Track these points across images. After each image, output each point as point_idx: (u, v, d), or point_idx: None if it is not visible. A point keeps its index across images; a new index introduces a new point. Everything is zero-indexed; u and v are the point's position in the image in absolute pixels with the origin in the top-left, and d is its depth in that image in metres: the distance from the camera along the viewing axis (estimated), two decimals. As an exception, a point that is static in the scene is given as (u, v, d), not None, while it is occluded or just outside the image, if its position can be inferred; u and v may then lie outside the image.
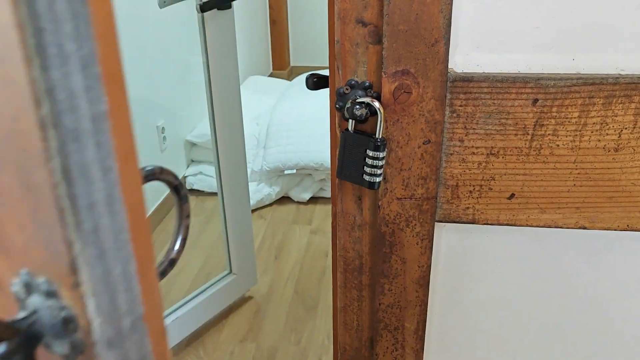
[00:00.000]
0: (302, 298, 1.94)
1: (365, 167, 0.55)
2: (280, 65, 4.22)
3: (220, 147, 1.67)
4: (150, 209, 2.32)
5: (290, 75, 4.23)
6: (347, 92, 0.55)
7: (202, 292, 1.77)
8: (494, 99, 0.53)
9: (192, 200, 2.57)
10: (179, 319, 1.68)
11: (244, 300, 1.93)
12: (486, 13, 0.51)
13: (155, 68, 2.32)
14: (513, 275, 0.62)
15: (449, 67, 0.52)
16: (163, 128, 2.39)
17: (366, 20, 0.52)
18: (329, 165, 2.45)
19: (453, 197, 0.58)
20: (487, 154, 0.55)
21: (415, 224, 0.59)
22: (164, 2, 1.50)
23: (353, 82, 0.55)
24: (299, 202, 2.56)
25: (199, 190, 2.63)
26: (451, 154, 0.56)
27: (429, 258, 0.61)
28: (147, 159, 2.20)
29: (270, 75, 4.15)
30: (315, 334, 1.77)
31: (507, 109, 0.53)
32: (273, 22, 4.07)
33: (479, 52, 0.53)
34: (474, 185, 0.57)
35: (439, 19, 0.50)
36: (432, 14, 0.50)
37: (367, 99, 0.53)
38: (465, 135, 0.55)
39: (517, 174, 0.56)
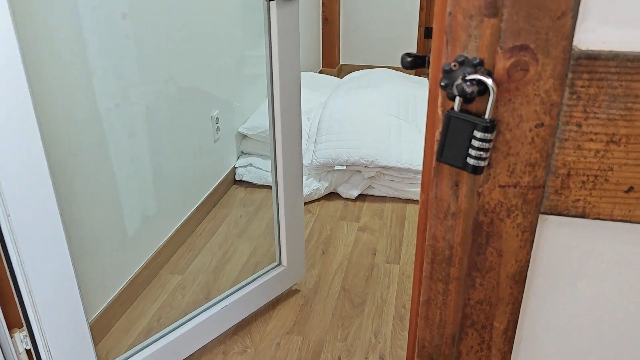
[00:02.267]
0: (349, 294, 1.90)
1: (470, 149, 0.51)
2: (330, 62, 4.20)
3: (277, 140, 1.65)
4: (202, 196, 2.34)
5: (340, 73, 4.20)
6: (454, 68, 0.52)
7: (251, 282, 1.76)
8: (621, 80, 0.48)
9: (241, 192, 2.57)
10: (227, 308, 1.67)
11: (291, 293, 1.91)
12: (620, -15, 0.47)
13: (212, 61, 2.33)
14: (620, 276, 0.57)
15: (573, 43, 0.48)
16: (217, 118, 2.40)
17: (484, -9, 0.49)
18: (380, 163, 2.40)
19: (563, 187, 0.53)
20: (608, 141, 0.51)
21: (517, 215, 0.55)
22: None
23: (462, 58, 0.51)
24: (347, 199, 2.53)
25: (248, 182, 2.63)
26: (566, 140, 0.52)
27: (529, 252, 0.57)
28: (201, 148, 2.22)
29: (320, 72, 4.14)
30: (362, 332, 1.74)
31: (637, 92, 0.48)
32: (325, 20, 4.06)
33: (606, 27, 0.49)
34: (587, 175, 0.52)
35: (568, -10, 0.46)
36: (561, -16, 0.46)
37: (478, 76, 0.50)
38: (585, 120, 0.50)
39: (639, 165, 0.51)
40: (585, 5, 0.48)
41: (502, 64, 0.49)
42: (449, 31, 0.51)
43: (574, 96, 0.50)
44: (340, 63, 4.31)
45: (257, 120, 2.68)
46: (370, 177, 2.52)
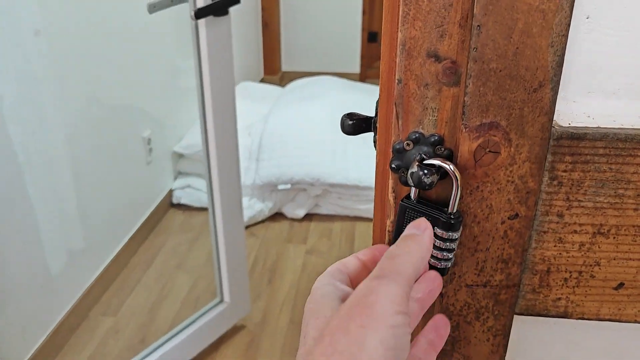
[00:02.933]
0: (299, 327, 1.79)
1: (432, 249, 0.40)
2: (272, 70, 4.07)
3: (212, 159, 1.52)
4: (136, 225, 2.16)
5: (282, 80, 4.08)
6: (408, 148, 0.41)
7: (190, 324, 1.61)
8: (611, 164, 0.39)
9: (179, 216, 2.41)
10: (166, 355, 1.52)
11: (236, 330, 1.78)
12: (608, 44, 0.38)
13: (141, 75, 2.15)
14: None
15: (553, 119, 0.38)
16: (149, 139, 2.23)
17: (441, 54, 0.38)
18: (326, 180, 2.30)
19: (541, 286, 0.44)
20: (594, 232, 0.41)
21: (488, 317, 0.46)
22: (154, 7, 1.35)
23: (416, 135, 0.41)
24: (293, 219, 2.41)
25: (186, 205, 2.47)
26: (545, 232, 0.42)
27: (502, 358, 0.47)
28: (132, 172, 2.04)
29: (262, 81, 4.00)
30: (314, 370, 1.63)
31: (629, 177, 0.39)
32: (265, 25, 3.92)
33: (589, 98, 0.39)
34: (571, 272, 0.43)
35: (546, 56, 0.36)
36: (538, 49, 0.36)
37: (438, 162, 0.39)
38: (567, 209, 0.41)
39: (630, 259, 0.42)
40: (567, 71, 0.38)
41: (467, 145, 0.39)
42: (400, 103, 0.40)
43: (555, 182, 0.40)
44: (282, 70, 4.19)
45: (194, 138, 2.52)
46: (317, 196, 2.41)
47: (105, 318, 1.82)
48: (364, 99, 3.05)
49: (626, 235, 0.42)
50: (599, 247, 0.42)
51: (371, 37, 4.16)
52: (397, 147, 0.42)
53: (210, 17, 1.36)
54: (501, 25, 0.36)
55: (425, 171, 0.39)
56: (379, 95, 0.45)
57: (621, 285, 0.43)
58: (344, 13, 4.02)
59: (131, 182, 2.12)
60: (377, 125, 0.47)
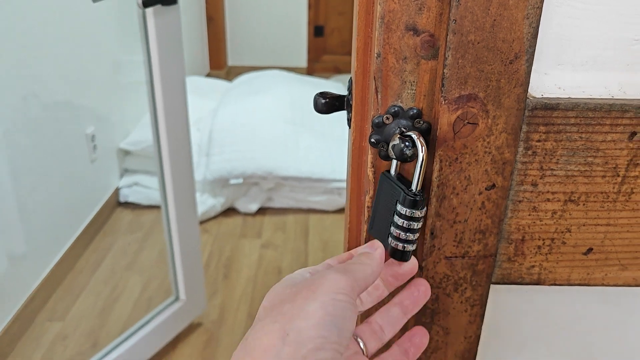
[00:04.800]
0: (257, 322, 1.77)
1: (392, 227, 0.41)
2: (218, 64, 4.00)
3: (164, 154, 1.48)
4: (81, 226, 2.07)
5: (229, 75, 4.02)
6: (387, 122, 0.41)
7: (145, 324, 1.56)
8: (581, 132, 0.41)
9: (127, 215, 2.33)
10: (120, 357, 1.47)
11: (192, 328, 1.74)
12: (577, 17, 0.39)
13: (82, 69, 2.06)
14: (576, 342, 0.51)
15: (528, 91, 0.39)
16: (93, 136, 2.14)
17: (420, 27, 0.39)
18: (278, 173, 2.29)
19: (516, 254, 0.45)
20: (566, 200, 0.43)
21: (466, 288, 0.46)
22: (97, -5, 1.29)
23: (396, 108, 0.41)
24: (246, 214, 2.39)
25: (134, 204, 2.39)
26: (520, 202, 0.43)
27: (479, 327, 0.48)
28: (75, 171, 1.95)
29: (208, 75, 3.92)
30: (275, 363, 1.62)
31: (597, 145, 0.41)
32: (210, 19, 3.85)
33: (560, 70, 0.41)
34: (544, 239, 0.45)
35: (522, 28, 0.37)
36: (514, 21, 0.37)
37: (414, 135, 0.40)
38: (541, 178, 0.42)
39: (598, 225, 0.44)
40: (538, 45, 0.39)
41: (446, 117, 0.40)
42: (379, 77, 0.40)
43: (529, 152, 0.41)
44: (229, 64, 4.13)
45: (141, 134, 2.44)
46: (269, 189, 2.40)
47: (52, 324, 1.73)
48: (312, 92, 3.06)
49: (595, 202, 0.43)
50: (569, 214, 0.44)
51: (317, 31, 4.17)
52: (377, 121, 0.42)
53: (159, 6, 1.32)
54: (479, -3, 0.37)
55: (407, 143, 0.39)
56: (354, 72, 0.45)
57: (590, 250, 0.45)
58: (289, 7, 4.00)
59: (75, 181, 2.03)
60: (352, 102, 0.47)
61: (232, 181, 2.32)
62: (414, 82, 0.40)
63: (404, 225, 0.41)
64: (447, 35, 0.38)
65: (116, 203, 2.38)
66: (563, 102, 0.40)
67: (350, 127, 0.50)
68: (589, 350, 0.52)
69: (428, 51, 0.39)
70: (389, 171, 0.43)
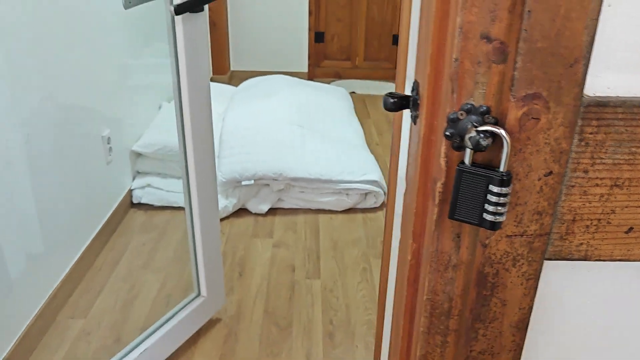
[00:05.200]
0: (274, 317, 1.83)
1: (487, 205, 0.47)
2: (221, 69, 4.06)
3: (189, 156, 1.53)
4: (98, 225, 2.12)
5: (231, 79, 4.08)
6: (462, 117, 0.48)
7: (170, 318, 1.62)
8: (627, 126, 0.48)
9: (141, 216, 2.38)
10: (148, 351, 1.52)
11: (212, 323, 1.79)
12: (624, 28, 0.46)
13: (95, 73, 2.12)
14: (621, 315, 0.58)
15: (584, 91, 0.46)
16: (109, 138, 2.19)
17: (492, 36, 0.45)
18: (288, 175, 2.35)
19: (567, 233, 0.52)
20: (612, 185, 0.50)
21: (523, 263, 0.53)
22: (129, 2, 1.35)
23: (469, 106, 0.48)
24: (257, 214, 2.44)
25: (147, 204, 2.44)
26: (572, 186, 0.50)
27: (532, 299, 0.55)
28: (92, 173, 2.00)
29: (211, 80, 3.98)
30: (294, 356, 1.68)
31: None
32: (213, 24, 3.91)
33: (609, 73, 0.48)
34: (591, 220, 0.51)
35: (582, 37, 0.44)
36: (575, 31, 0.44)
37: (492, 128, 0.46)
38: (591, 166, 0.49)
39: (639, 206, 0.51)
40: (594, 50, 0.46)
41: (514, 113, 0.46)
42: (455, 78, 0.47)
43: (583, 143, 0.48)
44: (231, 69, 4.18)
45: (152, 137, 2.49)
46: (280, 190, 2.45)
47: (74, 321, 1.78)
48: (316, 96, 3.13)
49: (637, 186, 0.50)
50: (615, 198, 0.51)
51: (318, 37, 4.24)
52: (452, 117, 0.48)
53: (187, 13, 1.38)
54: (547, 11, 0.43)
55: (482, 135, 0.46)
56: (426, 75, 0.52)
57: (631, 229, 0.52)
58: (290, 13, 4.07)
59: (92, 182, 2.08)
60: (421, 101, 0.54)
61: (244, 182, 2.38)
62: (485, 83, 0.47)
63: (498, 201, 0.47)
64: (518, 42, 0.45)
65: (129, 204, 2.43)
66: (612, 99, 0.47)
67: (415, 123, 0.57)
68: (627, 319, 0.59)
69: (498, 56, 0.46)
70: (462, 162, 0.49)
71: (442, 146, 0.50)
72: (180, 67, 1.43)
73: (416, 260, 0.58)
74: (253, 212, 2.44)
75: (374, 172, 2.49)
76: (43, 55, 1.73)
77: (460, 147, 0.49)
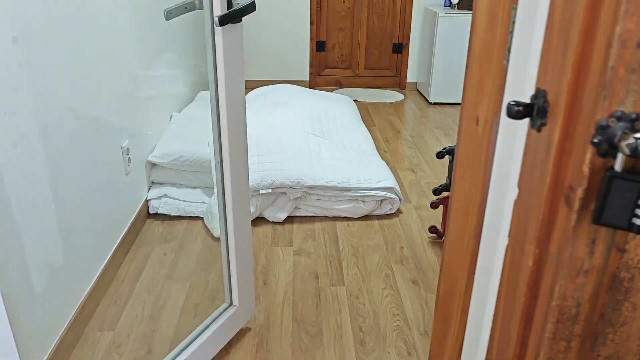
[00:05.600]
0: (303, 325, 1.83)
1: (638, 210, 0.49)
2: (223, 77, 4.05)
3: (225, 167, 1.53)
4: (119, 236, 2.09)
5: (234, 88, 4.07)
6: (612, 124, 0.49)
7: (204, 329, 1.60)
8: None
9: (158, 226, 2.36)
10: (186, 363, 1.51)
11: (242, 333, 1.78)
12: None
13: (112, 83, 2.10)
14: None
15: None
16: (128, 149, 2.17)
17: (649, 45, 0.47)
18: (306, 183, 2.35)
19: (702, 236, 0.53)
20: None
21: (657, 267, 0.54)
22: (170, 14, 1.35)
23: (619, 113, 0.49)
24: (275, 223, 2.44)
25: (164, 215, 2.42)
26: None
27: (661, 302, 0.56)
28: (113, 183, 1.98)
29: (213, 88, 3.96)
30: (328, 364, 1.68)
31: None
32: (215, 33, 3.90)
33: None
34: None
35: None
36: None
37: (649, 134, 0.47)
38: None
39: None
40: None
41: (666, 120, 0.48)
42: (609, 86, 0.48)
43: None
44: (232, 78, 4.18)
45: (167, 147, 2.48)
46: (296, 198, 2.45)
47: (103, 333, 1.75)
48: (325, 105, 3.14)
49: None
50: None
51: (319, 46, 4.26)
52: (603, 124, 0.49)
53: (228, 24, 1.38)
54: None
55: (640, 141, 0.47)
56: (566, 82, 0.53)
57: None
58: (292, 23, 4.09)
59: (113, 193, 2.05)
60: (553, 108, 0.55)
61: (262, 191, 2.37)
62: (636, 90, 0.48)
63: None
64: (677, 52, 0.46)
65: (146, 214, 2.40)
66: None
67: (539, 131, 0.58)
68: None
69: (653, 65, 0.47)
70: (611, 168, 0.50)
71: (587, 153, 0.51)
72: (218, 76, 1.43)
73: (538, 266, 0.59)
74: (271, 220, 2.43)
75: (389, 179, 2.51)
76: (64, 67, 1.71)
77: (606, 154, 0.50)
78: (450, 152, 2.17)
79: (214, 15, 1.31)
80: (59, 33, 1.68)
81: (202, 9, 1.40)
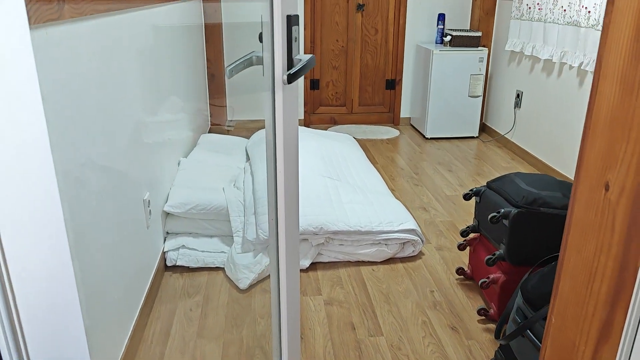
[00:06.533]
0: (349, 382, 1.76)
1: None
2: (219, 120, 4.00)
3: (280, 220, 1.48)
4: (143, 293, 1.99)
5: (229, 130, 4.02)
6: None
7: (258, 395, 1.52)
8: None
9: (178, 279, 2.27)
10: None
11: (288, 394, 1.69)
12: None
13: (124, 132, 2.04)
14: None
15: None
16: (149, 201, 2.09)
17: None
18: (329, 228, 2.31)
19: None
20: None
21: None
22: (232, 72, 1.33)
23: None
24: (299, 270, 2.37)
25: (182, 266, 2.33)
26: None
27: None
28: (136, 239, 1.89)
29: (210, 132, 3.92)
30: (383, 423, 1.61)
31: None
32: (212, 76, 3.88)
33: None
34: None
35: None
36: None
37: None
38: None
39: None
40: None
41: None
42: None
43: None
44: (228, 119, 4.14)
45: (182, 196, 2.41)
46: (319, 244, 2.41)
47: (140, 403, 1.64)
48: (334, 146, 3.13)
49: None
50: None
51: (313, 85, 4.28)
52: None
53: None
54: None
55: None
56: None
57: None
58: (287, 61, 4.09)
59: (135, 249, 1.96)
60: None
61: (285, 238, 2.31)
62: None
63: None
64: None
65: (164, 267, 2.31)
66: None
67: None
68: None
69: None
70: None
71: None
72: (277, 129, 1.40)
73: None
74: (295, 268, 2.37)
75: (410, 221, 2.49)
76: (82, 119, 1.65)
77: None
78: (477, 193, 2.17)
79: (283, 74, 1.29)
80: (77, 89, 1.62)
81: (260, 64, 1.38)
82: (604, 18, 0.82)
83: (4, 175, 0.81)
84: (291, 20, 1.30)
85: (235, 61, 1.34)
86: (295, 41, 1.34)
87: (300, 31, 4.03)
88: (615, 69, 0.79)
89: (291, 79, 1.29)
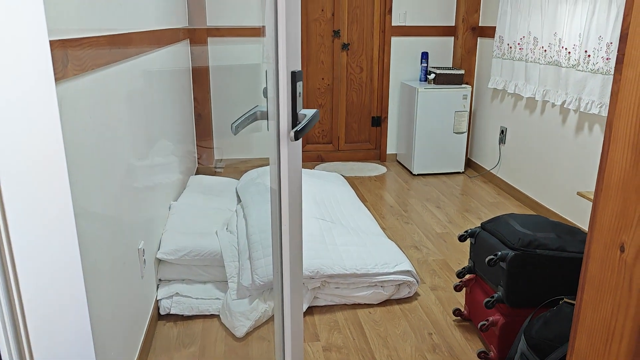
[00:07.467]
0: None
1: None
2: (207, 161, 3.99)
3: (285, 267, 1.47)
4: (137, 347, 1.94)
5: (216, 172, 4.01)
6: None
7: None
8: None
9: (172, 328, 2.21)
10: None
11: None
12: None
13: (115, 178, 2.02)
14: None
15: None
16: (143, 250, 2.06)
17: None
18: (325, 272, 2.30)
19: None
20: None
21: None
22: (237, 128, 1.34)
23: None
24: (295, 316, 2.34)
25: (175, 315, 2.28)
26: None
27: None
28: (129, 292, 1.85)
29: (197, 173, 3.90)
30: None
31: None
32: (198, 116, 3.88)
33: None
34: None
35: None
36: None
37: None
38: None
39: None
40: None
41: None
42: None
43: None
44: (215, 158, 4.13)
45: (175, 242, 2.37)
46: (315, 288, 2.38)
47: None
48: (325, 187, 3.14)
49: None
50: None
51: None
52: None
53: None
54: None
55: None
56: None
57: None
58: (274, 100, 4.13)
59: (129, 301, 1.92)
60: None
61: (281, 283, 2.29)
62: None
63: None
64: None
65: (157, 316, 2.25)
66: None
67: None
68: None
69: None
70: None
71: None
72: (282, 182, 1.41)
73: None
74: (291, 313, 2.34)
75: (405, 262, 2.49)
76: (78, 171, 1.63)
77: None
78: (472, 234, 2.19)
79: (289, 131, 1.31)
80: (75, 140, 1.61)
81: (264, 119, 1.40)
82: (612, 85, 0.85)
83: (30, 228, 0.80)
84: (296, 77, 1.32)
85: (240, 117, 1.35)
86: (300, 96, 1.36)
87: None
88: (626, 134, 0.81)
89: (298, 135, 1.30)
